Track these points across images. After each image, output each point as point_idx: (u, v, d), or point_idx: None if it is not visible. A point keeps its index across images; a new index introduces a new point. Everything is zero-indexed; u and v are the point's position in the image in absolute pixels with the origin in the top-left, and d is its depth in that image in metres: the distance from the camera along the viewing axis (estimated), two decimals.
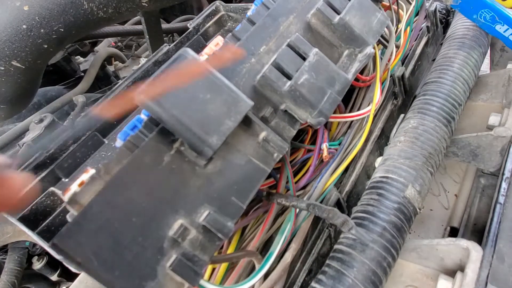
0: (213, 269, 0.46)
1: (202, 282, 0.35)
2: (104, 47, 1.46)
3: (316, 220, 0.53)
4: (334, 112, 0.57)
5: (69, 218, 0.29)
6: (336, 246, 0.46)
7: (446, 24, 0.88)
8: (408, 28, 0.72)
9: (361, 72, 0.63)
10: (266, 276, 0.43)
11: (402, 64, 0.73)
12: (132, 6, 0.77)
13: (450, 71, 0.64)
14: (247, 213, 0.50)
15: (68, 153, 0.45)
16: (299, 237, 0.48)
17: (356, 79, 0.60)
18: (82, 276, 0.47)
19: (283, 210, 0.52)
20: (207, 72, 0.33)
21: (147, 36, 0.99)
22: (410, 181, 0.50)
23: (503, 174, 0.54)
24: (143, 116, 0.34)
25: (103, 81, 1.27)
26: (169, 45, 0.55)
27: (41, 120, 0.72)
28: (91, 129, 0.44)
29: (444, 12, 0.87)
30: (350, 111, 0.63)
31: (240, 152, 0.35)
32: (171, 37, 1.41)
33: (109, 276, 0.27)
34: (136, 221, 0.29)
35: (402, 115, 0.64)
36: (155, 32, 1.00)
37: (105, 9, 0.73)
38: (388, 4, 0.70)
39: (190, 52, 0.33)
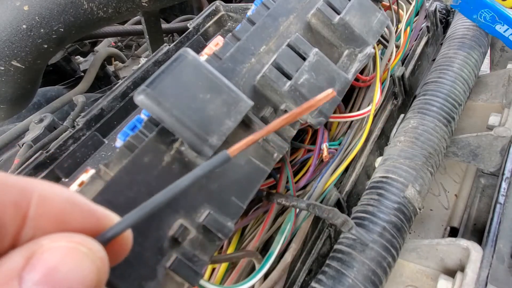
0: (213, 269, 0.46)
1: (202, 282, 0.35)
2: (104, 47, 1.46)
3: (316, 220, 0.53)
4: (334, 112, 0.57)
5: None
6: (336, 246, 0.46)
7: (446, 24, 0.88)
8: (408, 28, 0.72)
9: (361, 72, 0.63)
10: (266, 276, 0.43)
11: (402, 64, 0.72)
12: (132, 6, 0.77)
13: (450, 71, 0.64)
14: (247, 213, 0.50)
15: (68, 153, 0.46)
16: (299, 237, 0.48)
17: (356, 79, 0.60)
18: None
19: (283, 210, 0.52)
20: (207, 72, 0.33)
21: (147, 36, 0.99)
22: (410, 181, 0.50)
23: (503, 174, 0.54)
24: (143, 116, 0.34)
25: (103, 81, 1.27)
26: (169, 45, 0.55)
27: (41, 120, 0.73)
28: None
29: (444, 12, 0.87)
30: (350, 111, 0.63)
31: (240, 152, 0.35)
32: (171, 37, 1.41)
33: (109, 277, 0.27)
34: None
35: (402, 115, 0.64)
36: (155, 32, 1.00)
37: (105, 9, 0.74)
38: (388, 4, 0.70)
39: (190, 52, 0.33)
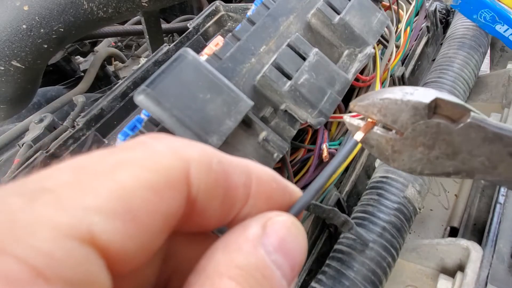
0: None
1: None
2: (104, 47, 1.46)
3: (316, 220, 0.53)
4: (334, 112, 0.57)
5: None
6: (336, 246, 0.46)
7: (446, 24, 0.88)
8: (408, 28, 0.72)
9: (361, 72, 0.63)
10: None
11: (402, 64, 0.72)
12: (132, 6, 0.77)
13: (450, 71, 0.64)
14: None
15: (68, 153, 0.45)
16: None
17: (356, 79, 0.60)
18: None
19: None
20: (207, 72, 0.33)
21: (147, 36, 0.98)
22: (410, 181, 0.50)
23: None
24: (143, 116, 0.34)
25: (103, 81, 1.27)
26: (169, 45, 0.55)
27: (41, 120, 0.72)
28: None
29: (444, 12, 0.87)
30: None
31: (240, 152, 0.35)
32: (171, 37, 1.41)
33: None
34: None
35: None
36: (155, 32, 1.00)
37: (105, 9, 0.73)
38: (388, 4, 0.70)
39: (190, 52, 0.33)
